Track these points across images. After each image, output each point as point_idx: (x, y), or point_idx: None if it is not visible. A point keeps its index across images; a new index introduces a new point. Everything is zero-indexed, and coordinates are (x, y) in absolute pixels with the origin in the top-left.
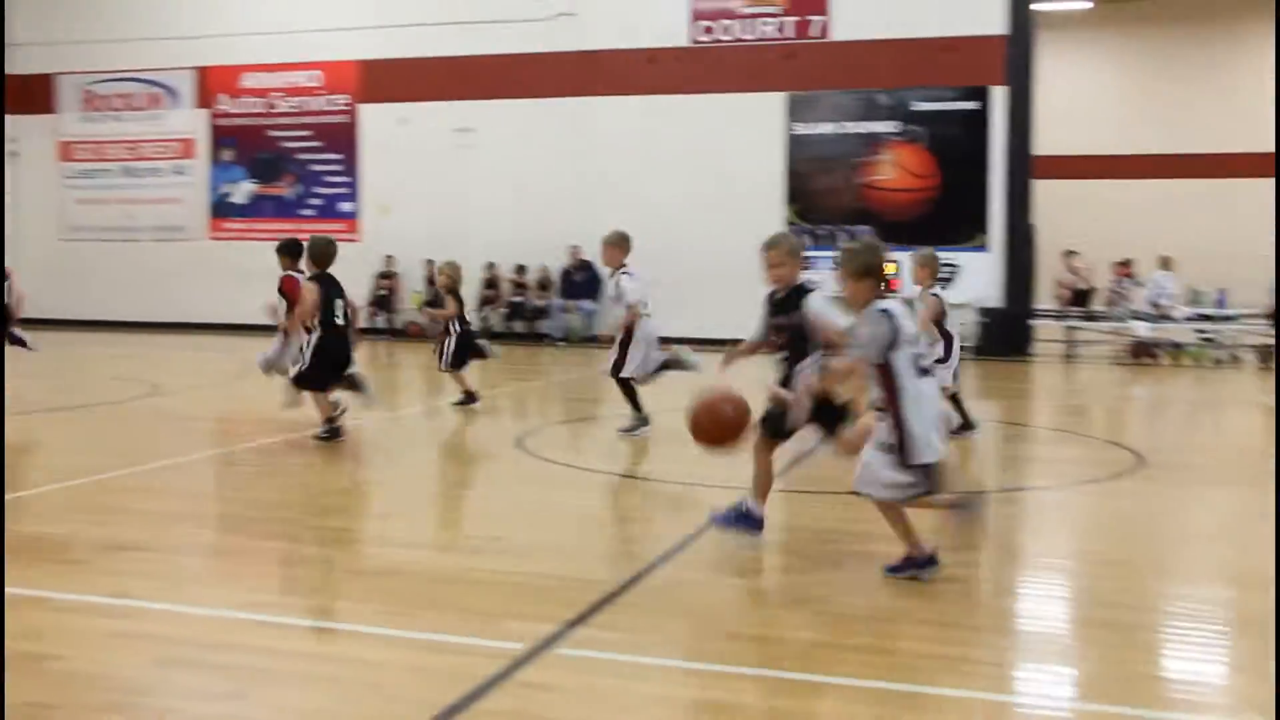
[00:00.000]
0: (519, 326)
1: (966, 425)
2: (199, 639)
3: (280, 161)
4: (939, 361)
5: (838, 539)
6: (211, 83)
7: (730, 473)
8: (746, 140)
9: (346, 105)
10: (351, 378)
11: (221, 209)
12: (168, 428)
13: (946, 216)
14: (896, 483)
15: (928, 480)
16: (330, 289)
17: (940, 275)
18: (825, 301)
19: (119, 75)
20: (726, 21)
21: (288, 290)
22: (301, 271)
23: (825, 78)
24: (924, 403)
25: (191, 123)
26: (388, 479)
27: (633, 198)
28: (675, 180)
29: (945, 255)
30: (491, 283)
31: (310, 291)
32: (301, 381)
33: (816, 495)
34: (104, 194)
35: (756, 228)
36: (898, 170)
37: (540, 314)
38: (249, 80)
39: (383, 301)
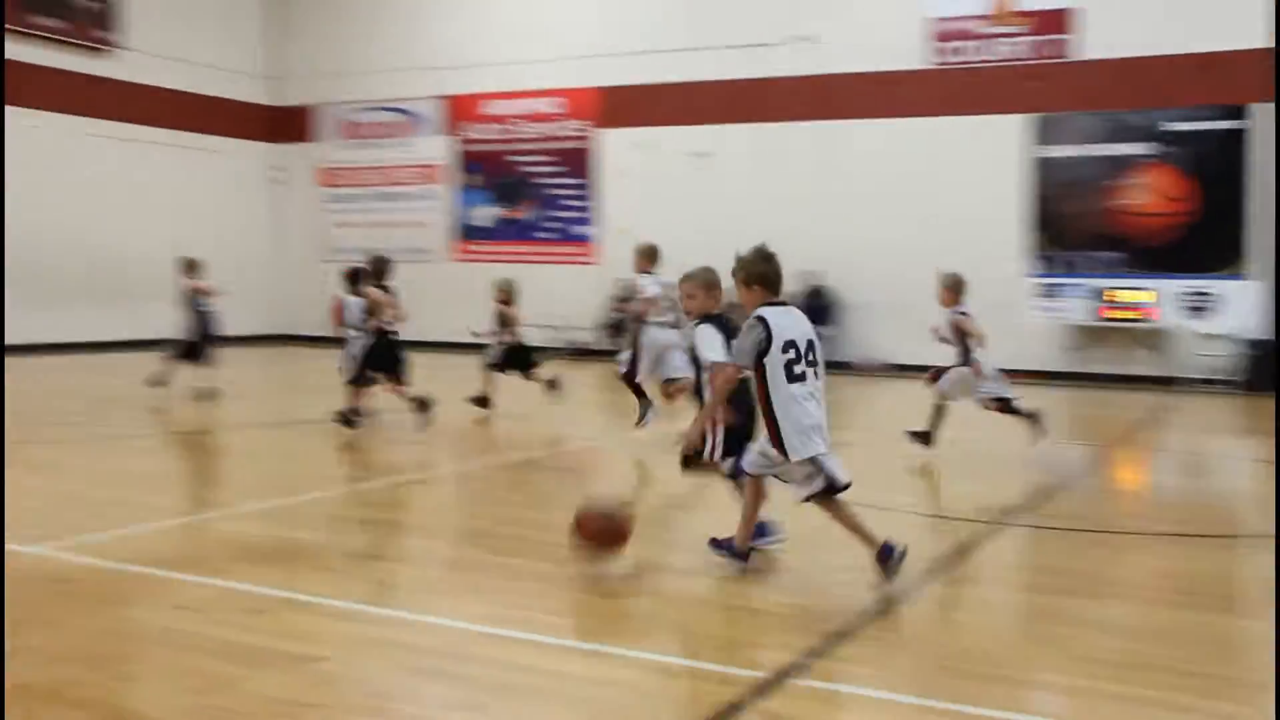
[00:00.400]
0: None
1: (1032, 421)
2: (444, 649)
3: (521, 186)
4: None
5: (1088, 580)
6: (457, 111)
7: (973, 502)
8: (987, 164)
9: (586, 130)
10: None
11: (465, 232)
12: (414, 443)
13: (1202, 242)
14: (766, 455)
15: (819, 475)
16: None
17: (963, 295)
18: (708, 331)
19: (374, 105)
20: (967, 43)
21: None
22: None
23: (1071, 98)
24: (794, 405)
25: (439, 149)
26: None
27: (870, 222)
28: (913, 204)
29: (1200, 284)
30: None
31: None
32: (352, 376)
33: (1067, 533)
34: (359, 217)
35: (995, 253)
36: (1150, 194)
37: None
38: (493, 108)
39: (619, 325)
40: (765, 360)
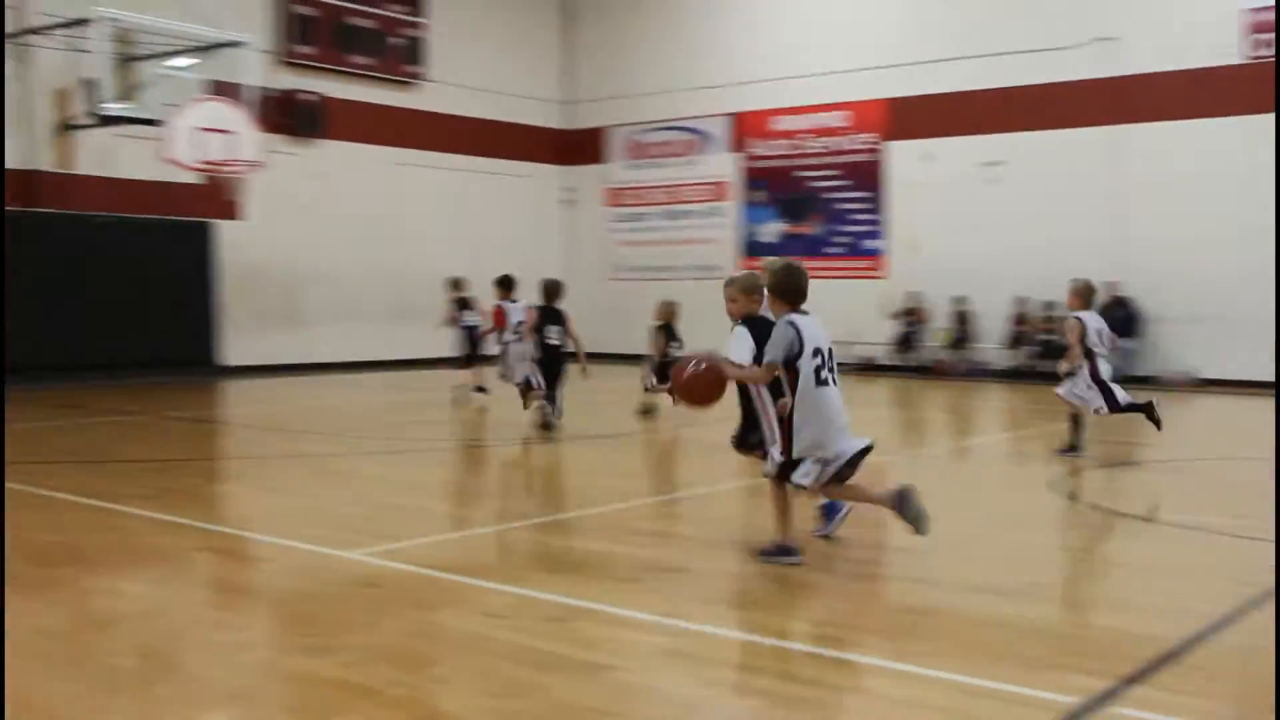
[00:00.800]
0: (1048, 365)
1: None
2: (738, 662)
3: (808, 201)
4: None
5: None
6: (744, 127)
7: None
8: None
9: (874, 143)
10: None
11: (752, 248)
12: (705, 458)
13: None
14: (777, 463)
15: (823, 470)
16: (546, 317)
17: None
18: (741, 333)
19: (661, 125)
20: None
21: (494, 315)
22: (514, 301)
23: None
24: (827, 405)
25: (725, 166)
26: None
27: (1175, 229)
28: (1225, 209)
29: None
30: (1021, 319)
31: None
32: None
33: None
34: (646, 236)
35: None
36: None
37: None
38: (779, 123)
39: (907, 339)
40: (798, 363)
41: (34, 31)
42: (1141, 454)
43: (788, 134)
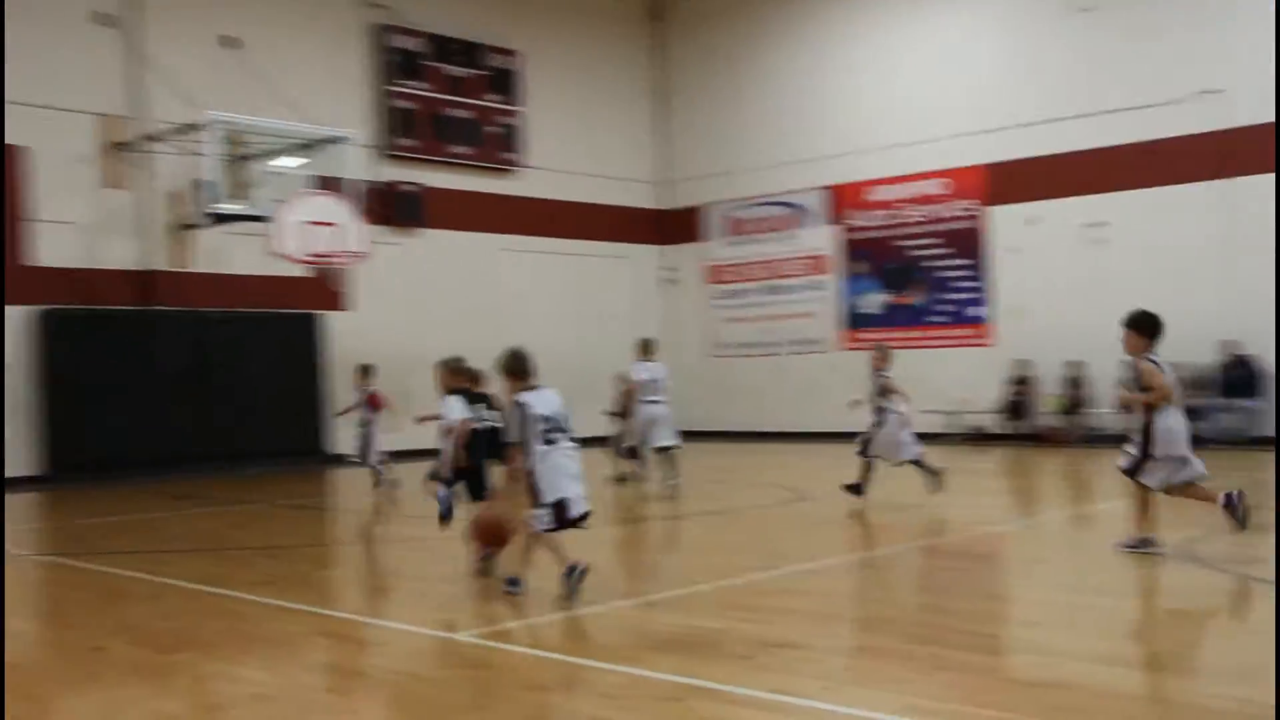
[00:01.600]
0: None
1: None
2: None
3: (909, 270)
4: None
5: None
6: (842, 199)
7: None
8: None
9: (974, 209)
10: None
11: (854, 320)
12: (812, 532)
13: None
14: (536, 515)
15: (555, 515)
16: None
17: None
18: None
19: (758, 200)
20: None
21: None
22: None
23: None
24: (548, 461)
25: (824, 239)
26: (1030, 586)
27: None
28: None
29: None
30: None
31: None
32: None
33: None
34: (746, 312)
35: None
36: None
37: (1194, 415)
38: (877, 193)
39: (1016, 407)
40: (525, 433)
41: (152, 139)
42: (1266, 517)
43: (886, 204)
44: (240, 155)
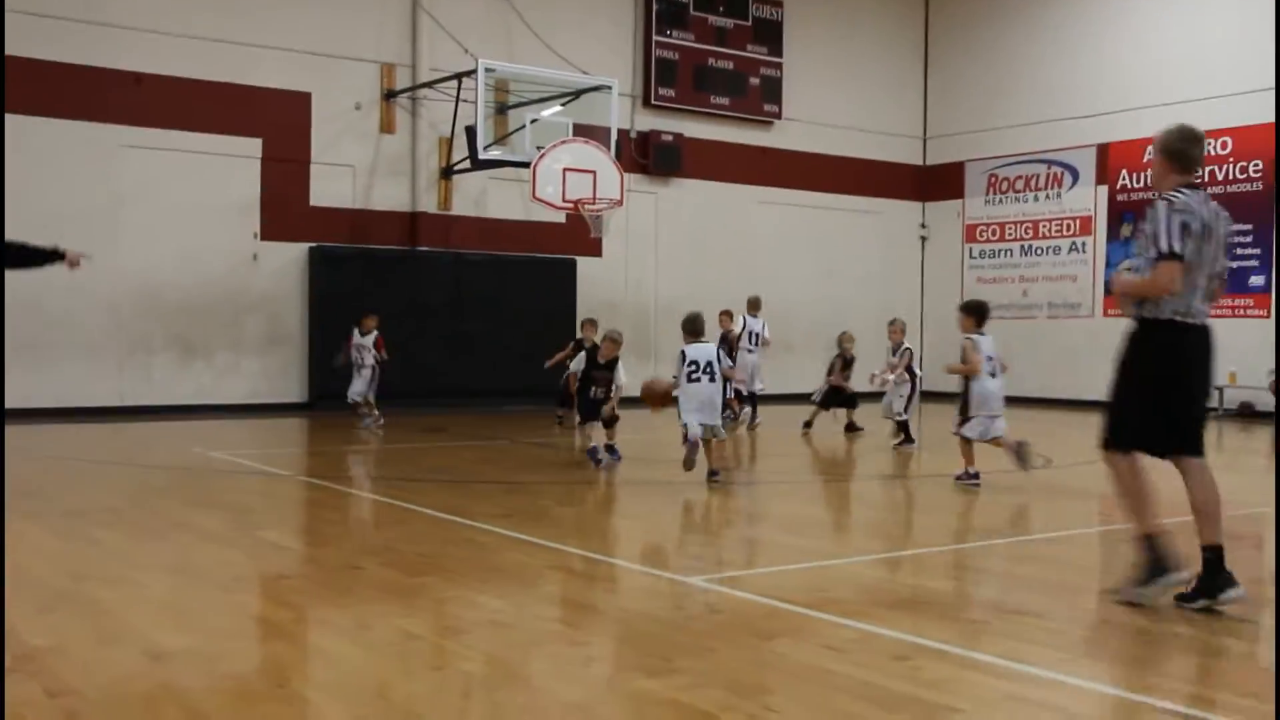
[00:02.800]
0: None
1: None
2: (1092, 715)
3: None
4: None
5: None
6: (1112, 159)
7: None
8: None
9: (1257, 172)
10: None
11: None
12: (1057, 501)
13: None
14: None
15: (683, 434)
16: None
17: None
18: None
19: (1021, 158)
20: None
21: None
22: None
23: None
24: (685, 393)
25: (1089, 200)
26: None
27: None
28: None
29: None
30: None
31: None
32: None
33: None
34: (1003, 273)
35: None
36: None
37: None
38: (1150, 153)
39: None
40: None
41: (425, 85)
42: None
43: None
44: (505, 104)
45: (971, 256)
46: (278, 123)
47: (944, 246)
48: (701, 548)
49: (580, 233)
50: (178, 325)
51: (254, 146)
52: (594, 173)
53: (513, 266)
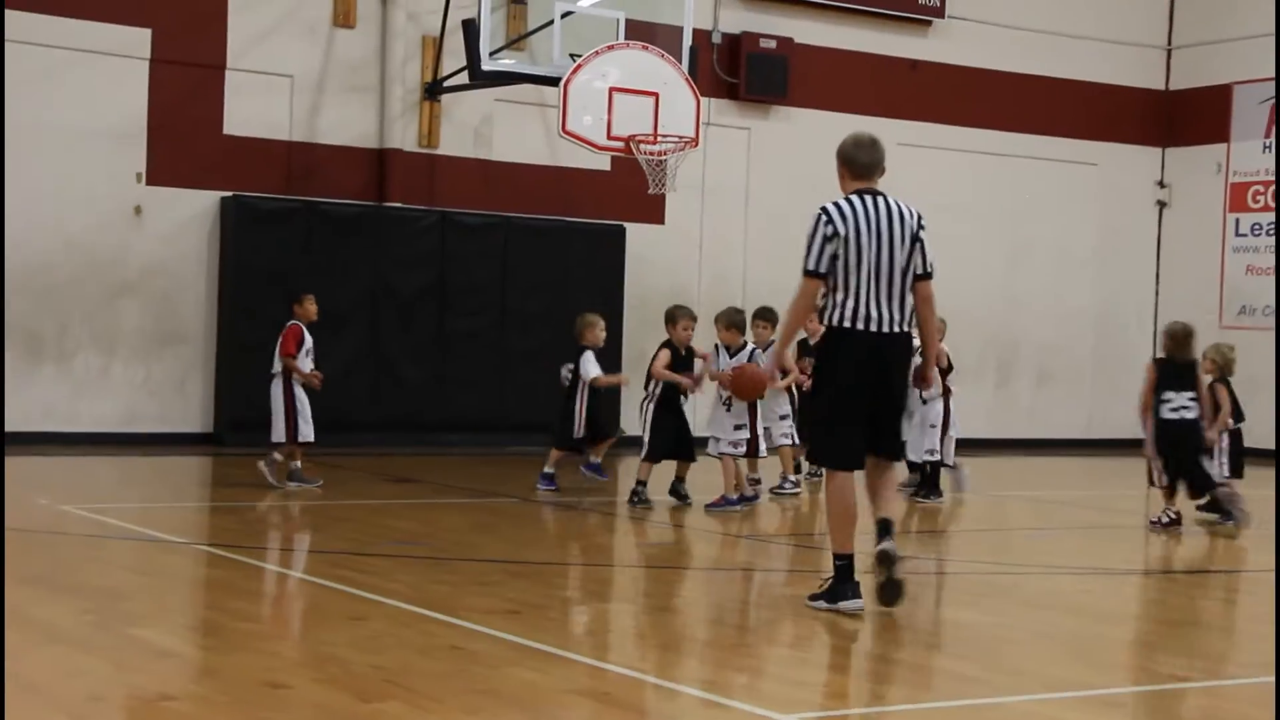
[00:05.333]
0: None
1: None
2: None
3: None
4: None
5: None
6: None
7: None
8: None
9: None
10: None
11: None
12: None
13: None
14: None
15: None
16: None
17: None
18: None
19: None
20: None
21: None
22: None
23: None
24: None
25: None
26: None
27: None
28: None
29: None
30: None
31: None
32: None
33: None
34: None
35: None
36: None
37: None
38: None
39: None
40: None
41: None
42: None
43: None
44: None
45: (1239, 232)
46: (176, 4)
47: (1195, 215)
48: (793, 668)
49: (635, 186)
50: (17, 312)
51: (138, 41)
52: (656, 95)
53: (529, 234)
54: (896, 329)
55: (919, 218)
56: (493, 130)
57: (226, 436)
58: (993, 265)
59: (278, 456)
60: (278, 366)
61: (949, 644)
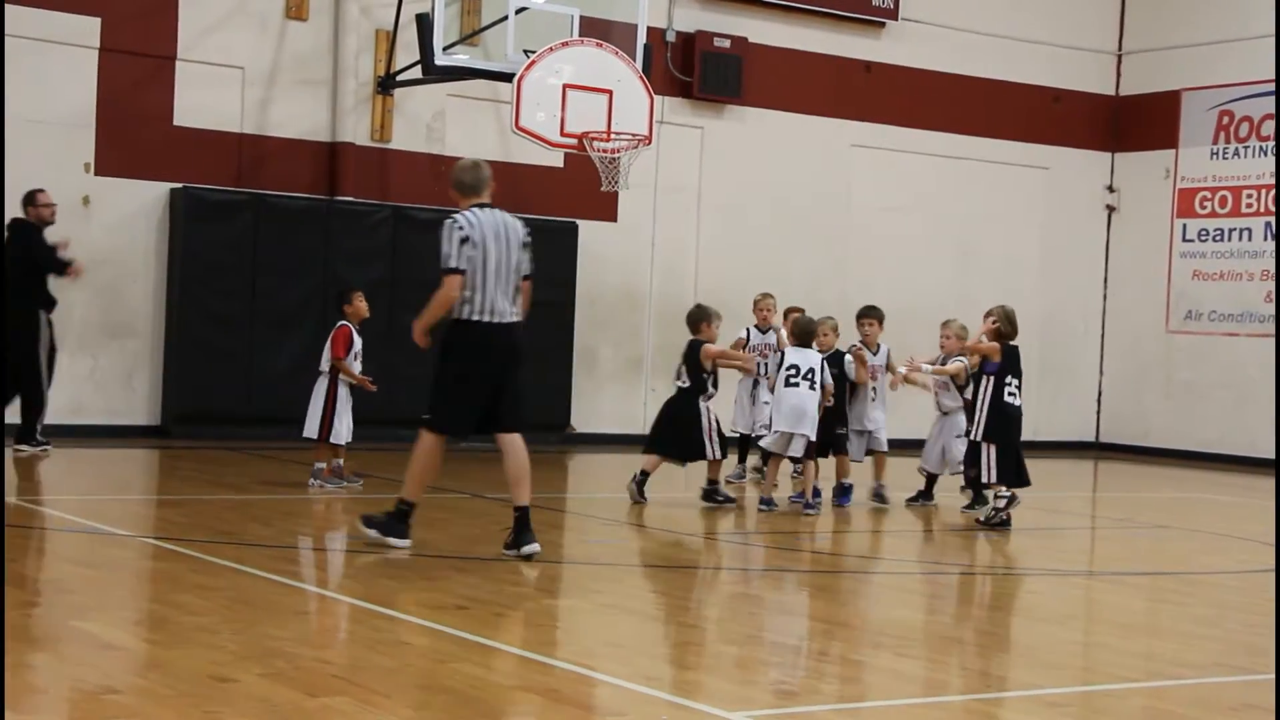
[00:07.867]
0: None
1: None
2: None
3: None
4: None
5: None
6: None
7: None
8: None
9: None
10: None
11: None
12: None
13: None
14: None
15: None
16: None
17: None
18: None
19: (1270, 86)
20: None
21: None
22: None
23: None
24: (778, 395)
25: None
26: None
27: None
28: None
29: None
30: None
31: None
32: None
33: None
34: (1235, 264)
35: None
36: None
37: None
38: None
39: None
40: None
41: None
42: None
43: None
44: None
45: (1186, 238)
46: None
47: (1143, 221)
48: (753, 662)
49: (587, 183)
50: None
51: (87, 30)
52: (610, 93)
53: None
54: (510, 319)
55: (526, 230)
56: (445, 125)
57: (174, 429)
58: (942, 267)
59: (321, 465)
60: (325, 365)
61: (895, 643)
